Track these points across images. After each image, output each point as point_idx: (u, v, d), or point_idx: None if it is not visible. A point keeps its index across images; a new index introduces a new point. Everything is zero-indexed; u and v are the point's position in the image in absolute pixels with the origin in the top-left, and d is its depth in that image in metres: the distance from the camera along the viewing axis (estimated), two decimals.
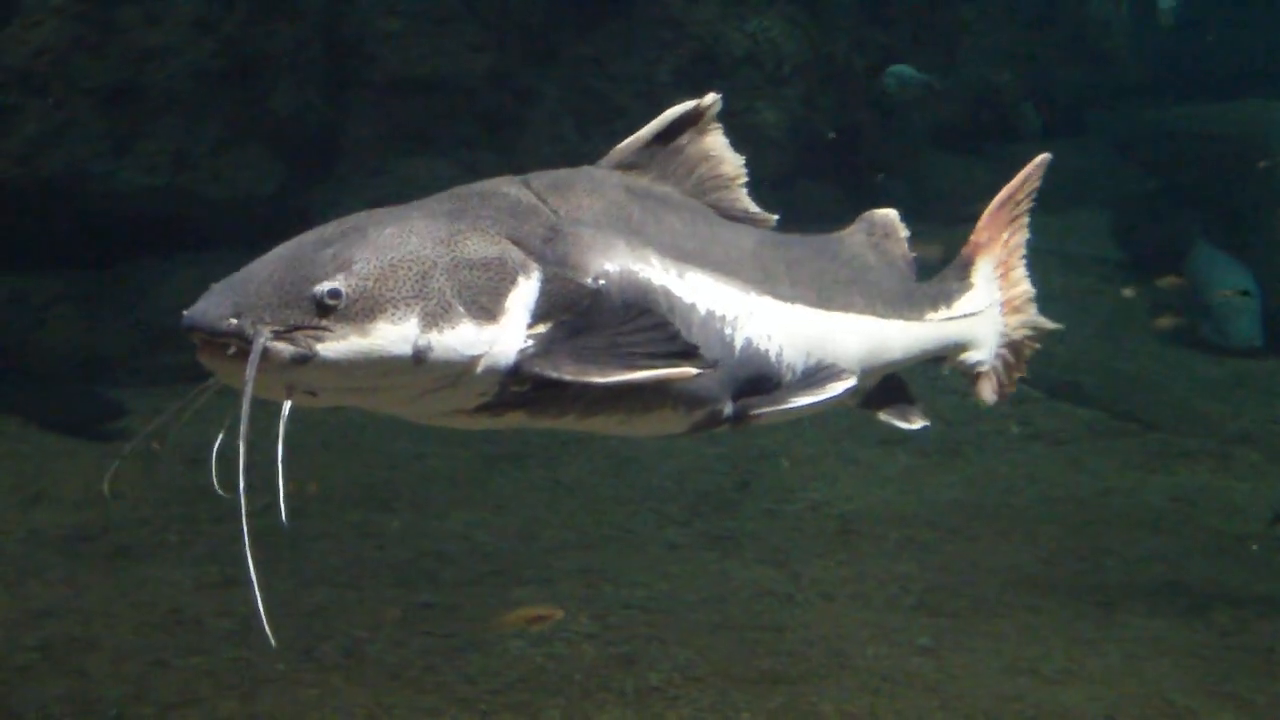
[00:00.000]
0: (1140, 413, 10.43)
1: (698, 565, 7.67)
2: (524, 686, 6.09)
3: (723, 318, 3.78)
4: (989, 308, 4.65)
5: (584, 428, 3.69)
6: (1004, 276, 4.72)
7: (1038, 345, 4.79)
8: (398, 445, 9.44)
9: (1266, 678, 6.34)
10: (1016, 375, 4.78)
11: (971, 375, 4.69)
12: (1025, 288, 4.76)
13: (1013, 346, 4.74)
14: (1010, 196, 4.72)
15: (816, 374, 4.05)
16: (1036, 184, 4.77)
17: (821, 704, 5.98)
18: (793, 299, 3.99)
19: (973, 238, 4.69)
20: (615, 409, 3.60)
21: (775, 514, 8.55)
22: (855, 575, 7.53)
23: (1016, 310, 4.74)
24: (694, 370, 3.47)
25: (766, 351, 3.89)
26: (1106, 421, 10.16)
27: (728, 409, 3.82)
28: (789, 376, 3.95)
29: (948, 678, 6.25)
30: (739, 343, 3.81)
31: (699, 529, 8.23)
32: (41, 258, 10.71)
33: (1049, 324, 4.78)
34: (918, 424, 4.54)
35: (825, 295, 4.10)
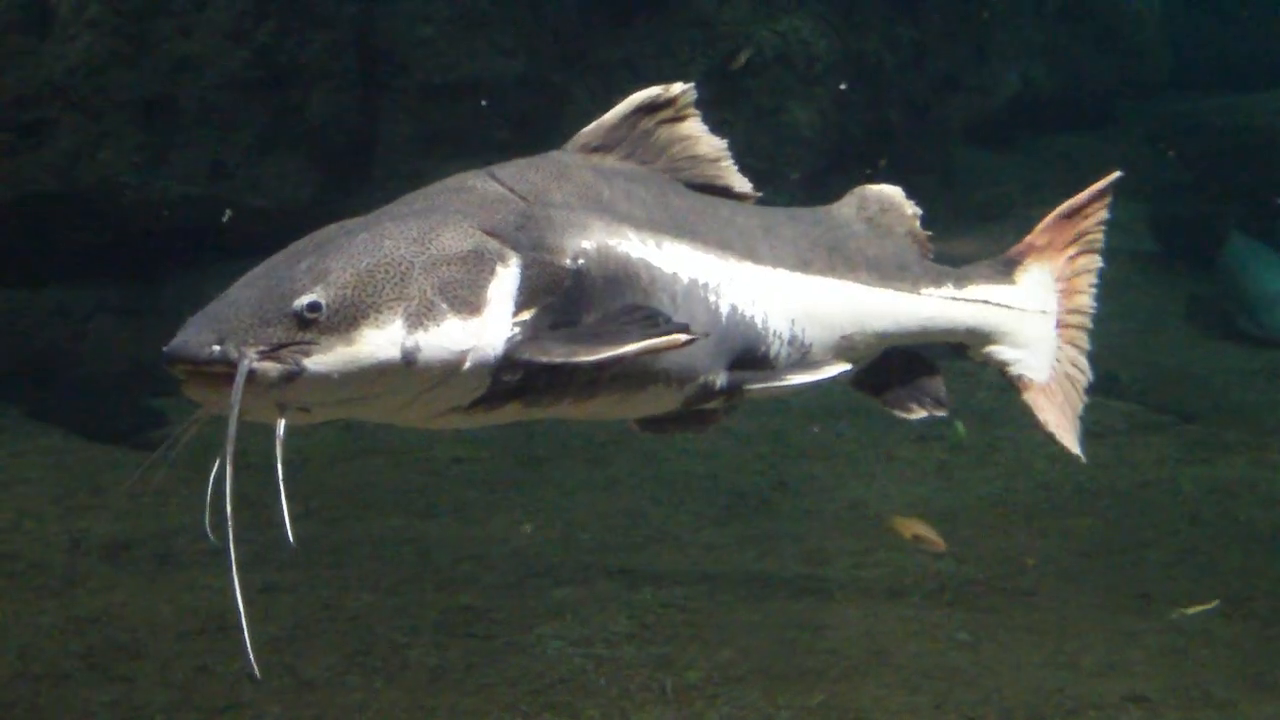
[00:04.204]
0: (1177, 405, 10.41)
1: (736, 565, 7.69)
2: (564, 688, 6.12)
3: (705, 285, 3.76)
4: (1035, 312, 4.51)
5: (581, 413, 3.67)
6: (1065, 294, 4.58)
7: (1085, 399, 4.62)
8: (436, 450, 9.49)
9: None
10: (1076, 427, 4.63)
11: (1012, 380, 4.56)
12: (1085, 322, 4.62)
13: (1071, 383, 4.60)
14: (1079, 209, 4.58)
15: (810, 354, 4.05)
16: (1107, 205, 4.61)
17: (861, 701, 5.99)
18: (774, 263, 3.96)
19: (1029, 238, 4.57)
20: (610, 389, 3.58)
21: (813, 513, 8.56)
22: (893, 572, 7.54)
23: (1072, 341, 4.60)
24: (684, 337, 3.45)
25: (752, 318, 3.87)
26: (1144, 415, 10.14)
27: (720, 380, 3.80)
28: (776, 344, 3.93)
29: (987, 672, 6.26)
30: (724, 310, 3.79)
31: (737, 529, 8.25)
32: (81, 269, 10.79)
33: (1090, 374, 4.62)
34: (918, 414, 4.49)
35: (805, 260, 4.05)
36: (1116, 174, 4.63)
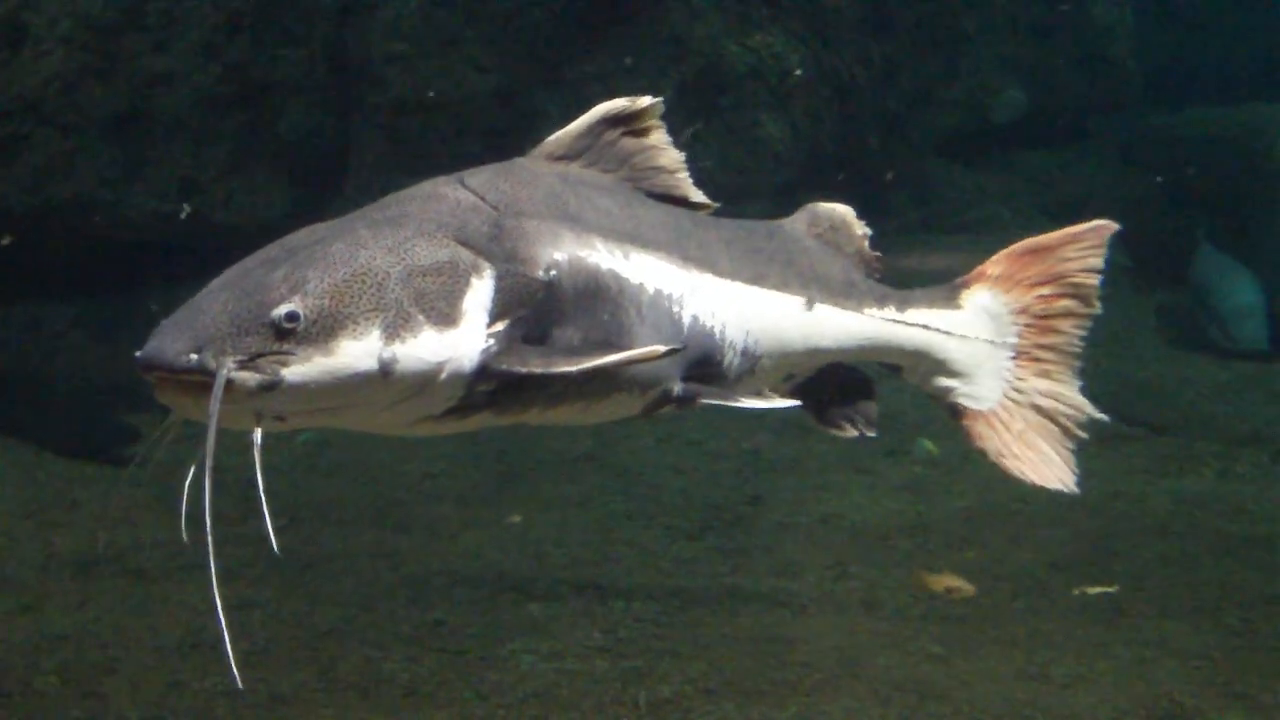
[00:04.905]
0: (1148, 417, 10.45)
1: (709, 579, 7.70)
2: (537, 702, 6.13)
3: (670, 296, 3.80)
4: (980, 340, 4.49)
5: (545, 419, 3.70)
6: (1034, 329, 4.52)
7: (1082, 434, 4.59)
8: (409, 466, 9.48)
9: (1275, 677, 6.34)
10: (1054, 461, 4.57)
11: (953, 408, 4.55)
12: (1068, 359, 4.56)
13: (1044, 415, 4.55)
14: (1047, 248, 4.51)
15: (760, 365, 4.07)
16: (1096, 253, 4.53)
17: (834, 714, 6.01)
18: (731, 275, 4.00)
19: (981, 267, 4.53)
20: (577, 397, 3.62)
21: (787, 526, 8.57)
22: (866, 585, 7.55)
23: (1047, 375, 4.54)
24: (662, 349, 3.51)
25: (711, 329, 3.91)
26: (1115, 427, 10.12)
27: (677, 389, 3.83)
28: (731, 354, 3.96)
29: (959, 684, 6.28)
30: (686, 320, 3.84)
31: (710, 543, 8.26)
32: (54, 285, 10.79)
33: (1093, 410, 4.58)
34: (849, 432, 4.50)
35: (760, 273, 4.09)
36: (1101, 222, 4.57)
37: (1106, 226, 4.56)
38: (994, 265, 4.54)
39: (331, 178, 12.00)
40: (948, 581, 7.44)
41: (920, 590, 7.40)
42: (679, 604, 7.28)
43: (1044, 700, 6.12)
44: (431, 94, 12.20)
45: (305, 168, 11.72)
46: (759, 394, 4.04)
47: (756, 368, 4.09)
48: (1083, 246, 4.54)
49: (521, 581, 7.58)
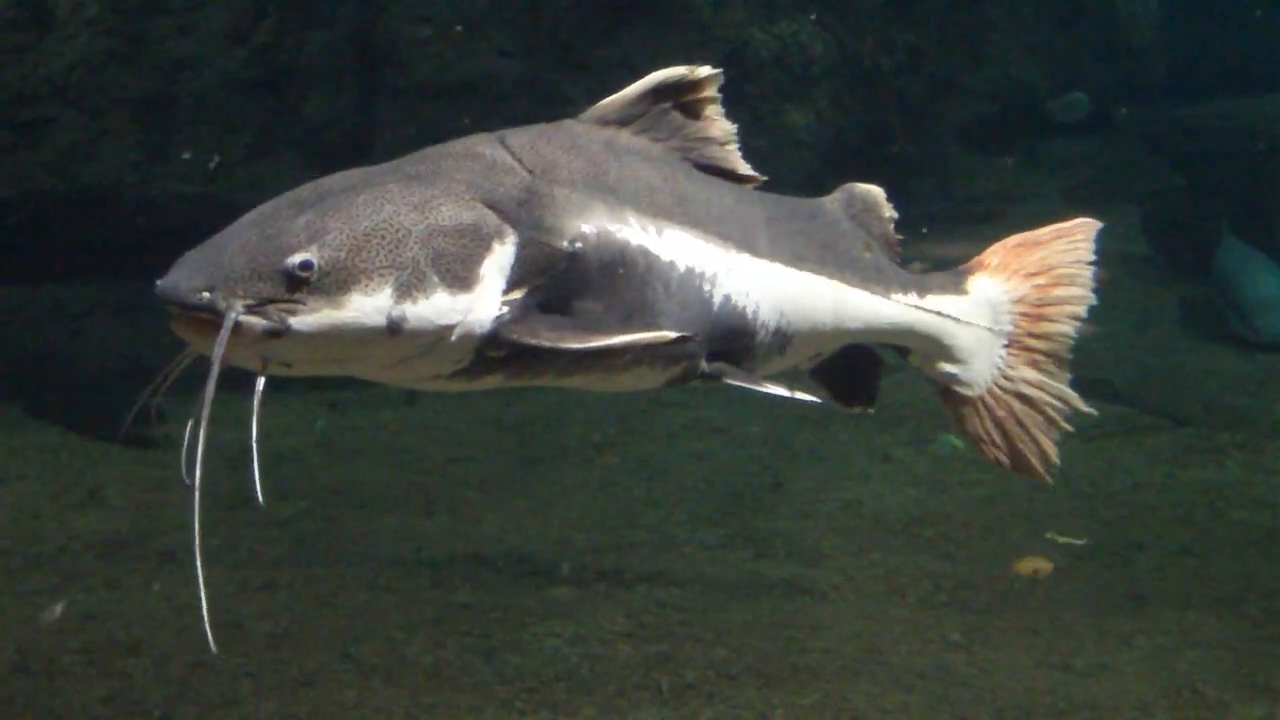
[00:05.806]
0: (1171, 408, 10.44)
1: (731, 564, 7.71)
2: (561, 685, 6.15)
3: (702, 274, 3.78)
4: (980, 326, 4.53)
5: (561, 385, 3.70)
6: (1028, 318, 4.57)
7: (1066, 426, 4.60)
8: (434, 450, 9.51)
9: None
10: (1034, 450, 4.60)
11: (946, 392, 4.59)
12: (1058, 349, 4.58)
13: (1028, 404, 4.58)
14: (1040, 242, 4.59)
15: (790, 346, 4.08)
16: (1085, 246, 4.59)
17: (856, 700, 6.02)
18: (770, 256, 3.99)
19: (980, 257, 4.60)
20: (593, 368, 3.62)
21: (808, 513, 8.59)
22: (888, 573, 7.56)
23: (1036, 365, 4.57)
24: (673, 335, 3.51)
25: (744, 309, 3.90)
26: (1137, 418, 10.17)
27: (703, 366, 3.82)
28: (762, 334, 3.95)
29: (980, 672, 6.29)
30: (718, 300, 3.82)
31: (732, 529, 8.28)
32: (79, 267, 10.82)
33: (1080, 403, 4.59)
34: (854, 409, 4.54)
35: (800, 255, 4.09)
36: (1084, 220, 4.63)
37: (1092, 223, 4.64)
38: (992, 255, 4.62)
39: (355, 161, 11.97)
40: (1034, 565, 7.53)
41: (1011, 578, 7.43)
42: (701, 589, 7.29)
43: (1065, 689, 6.12)
44: (456, 78, 12.21)
45: (330, 152, 11.72)
46: (783, 381, 4.04)
47: (787, 348, 4.10)
48: (1072, 240, 4.62)
49: (545, 566, 7.61)
